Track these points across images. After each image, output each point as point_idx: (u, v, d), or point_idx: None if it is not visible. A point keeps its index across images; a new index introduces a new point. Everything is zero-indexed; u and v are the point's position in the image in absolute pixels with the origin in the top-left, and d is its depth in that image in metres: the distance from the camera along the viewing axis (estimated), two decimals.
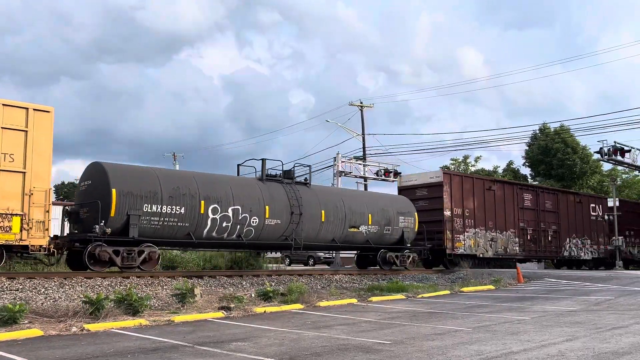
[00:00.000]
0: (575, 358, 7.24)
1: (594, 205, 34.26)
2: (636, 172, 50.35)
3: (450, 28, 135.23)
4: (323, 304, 14.02)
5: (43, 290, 13.41)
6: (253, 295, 14.54)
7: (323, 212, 20.80)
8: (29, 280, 14.05)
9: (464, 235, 25.52)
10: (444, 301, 15.32)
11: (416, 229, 23.93)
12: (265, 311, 12.59)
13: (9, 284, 13.50)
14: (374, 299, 15.46)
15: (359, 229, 21.88)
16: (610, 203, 36.12)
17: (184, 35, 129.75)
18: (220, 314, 11.91)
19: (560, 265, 34.50)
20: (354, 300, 15.06)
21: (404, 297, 16.22)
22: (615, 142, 30.80)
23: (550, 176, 49.86)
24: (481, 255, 26.14)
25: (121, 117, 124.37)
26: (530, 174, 54.04)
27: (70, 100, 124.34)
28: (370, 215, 22.34)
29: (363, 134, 40.16)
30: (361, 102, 40.88)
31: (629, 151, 31.37)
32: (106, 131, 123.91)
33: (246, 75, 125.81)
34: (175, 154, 57.02)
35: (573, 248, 31.95)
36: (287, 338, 9.03)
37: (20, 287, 13.42)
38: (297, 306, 13.41)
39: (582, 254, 32.50)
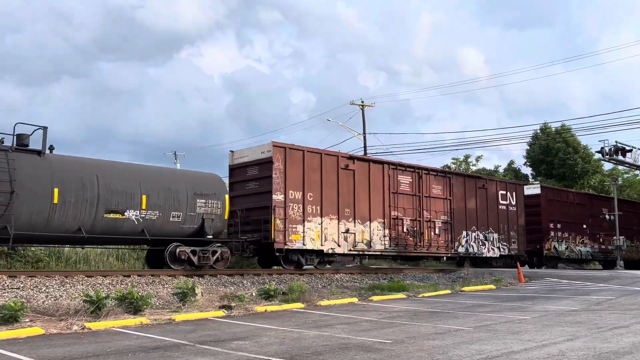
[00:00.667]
0: (576, 358, 7.23)
1: (504, 192, 27.96)
2: (637, 172, 50.38)
3: (451, 28, 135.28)
4: (324, 303, 14.02)
5: (44, 288, 13.44)
6: (254, 294, 14.55)
7: (57, 190, 15.30)
8: (29, 278, 14.08)
9: (304, 226, 20.00)
10: (444, 300, 15.31)
11: (226, 217, 18.81)
12: (266, 310, 12.59)
13: (10, 283, 13.53)
14: (375, 298, 15.46)
15: (124, 214, 16.45)
16: (528, 191, 30.93)
17: (184, 34, 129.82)
18: (221, 312, 11.92)
19: (461, 264, 27.22)
20: (355, 300, 15.06)
21: (404, 296, 16.23)
22: (616, 141, 30.88)
23: (552, 176, 49.87)
24: (330, 251, 20.93)
25: (122, 116, 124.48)
26: (532, 174, 54.07)
27: (70, 98, 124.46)
28: (145, 196, 16.88)
29: (364, 133, 40.19)
30: (362, 102, 40.89)
31: (630, 151, 31.42)
32: (107, 130, 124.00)
33: (247, 74, 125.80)
34: (176, 152, 57.06)
35: (472, 244, 26.04)
36: (288, 337, 9.04)
37: (21, 285, 13.45)
38: (298, 305, 13.41)
39: (486, 251, 26.67)
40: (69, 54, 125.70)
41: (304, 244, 20.07)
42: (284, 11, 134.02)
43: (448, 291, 17.92)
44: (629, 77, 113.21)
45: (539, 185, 33.30)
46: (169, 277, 16.24)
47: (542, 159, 51.11)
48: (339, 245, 21.08)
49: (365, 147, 39.82)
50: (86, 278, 14.90)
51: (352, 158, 22.29)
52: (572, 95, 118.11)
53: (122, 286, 14.35)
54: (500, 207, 27.68)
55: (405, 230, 23.46)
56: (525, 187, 31.21)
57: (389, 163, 23.84)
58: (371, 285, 18.16)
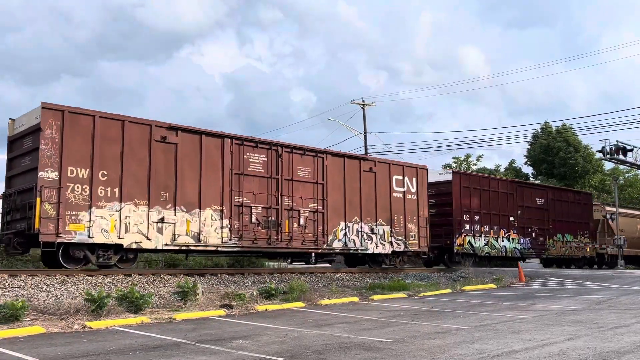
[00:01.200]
0: (576, 357, 7.23)
1: (399, 177, 23.08)
2: (638, 171, 50.40)
3: (452, 27, 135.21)
4: (324, 302, 14.04)
5: (45, 287, 13.45)
6: (255, 293, 14.58)
7: None
8: (31, 277, 14.09)
9: (91, 213, 15.48)
10: (445, 300, 15.33)
11: None
12: (266, 309, 12.62)
13: (11, 281, 13.54)
14: (376, 297, 15.48)
15: None
16: (439, 177, 26.58)
17: (184, 33, 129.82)
18: (222, 311, 11.93)
19: (352, 263, 23.56)
20: (356, 299, 15.08)
21: (405, 295, 16.25)
22: (617, 141, 30.91)
23: (553, 175, 49.91)
24: (134, 246, 16.31)
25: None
26: (532, 173, 54.11)
27: (71, 97, 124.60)
28: None
29: (365, 132, 40.20)
30: (363, 101, 40.90)
31: (631, 150, 31.46)
32: None
33: (247, 73, 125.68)
34: None
35: (353, 237, 21.15)
36: (288, 336, 9.04)
37: (22, 284, 13.46)
38: (298, 304, 13.43)
39: (373, 246, 21.79)
40: (69, 53, 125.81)
41: (89, 236, 15.42)
42: (285, 10, 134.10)
43: (449, 290, 17.93)
44: (630, 76, 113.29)
45: (451, 170, 28.00)
46: (170, 276, 16.27)
47: (543, 159, 51.15)
48: (148, 239, 16.40)
49: (365, 146, 39.85)
50: (87, 277, 14.91)
51: (173, 128, 17.33)
52: (573, 95, 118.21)
53: (123, 285, 14.37)
54: (394, 194, 22.80)
55: (254, 220, 18.70)
56: (437, 172, 27.05)
57: (232, 137, 18.69)
58: (372, 285, 18.18)
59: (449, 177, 26.56)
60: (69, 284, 13.98)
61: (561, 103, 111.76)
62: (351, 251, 21.51)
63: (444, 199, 25.97)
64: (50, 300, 12.45)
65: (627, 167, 44.08)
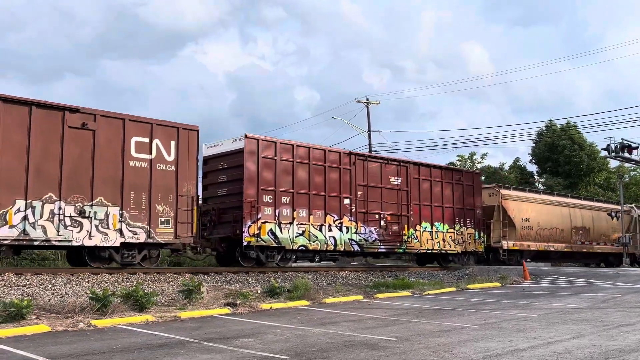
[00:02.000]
0: (582, 355, 7.21)
1: (145, 139, 16.70)
2: None
3: (455, 24, 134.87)
4: (329, 300, 14.05)
5: (50, 286, 13.49)
6: (259, 291, 14.59)
7: None
8: (36, 276, 14.14)
9: None
10: (450, 298, 15.31)
11: None
12: (271, 307, 12.63)
13: (17, 280, 13.59)
14: (380, 295, 15.47)
15: None
16: (227, 147, 20.12)
17: (187, 31, 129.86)
18: (227, 310, 11.95)
19: (77, 261, 16.73)
20: (360, 297, 15.07)
21: (409, 294, 16.24)
22: (622, 139, 30.81)
23: (557, 173, 49.75)
24: None
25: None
26: (537, 171, 53.97)
27: (74, 96, 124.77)
28: None
29: (369, 130, 40.17)
30: (367, 99, 40.86)
31: (636, 148, 31.36)
32: None
33: (250, 72, 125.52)
34: None
35: (42, 222, 14.67)
36: (293, 334, 9.05)
37: (28, 282, 13.51)
38: (303, 303, 13.44)
39: (82, 236, 15.27)
40: (72, 52, 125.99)
41: None
42: (288, 8, 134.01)
43: (453, 289, 17.90)
44: (635, 73, 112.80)
45: (244, 135, 19.60)
46: (175, 275, 16.29)
47: (548, 157, 51.01)
48: None
49: (370, 144, 39.83)
50: (92, 275, 14.95)
51: None
52: (577, 92, 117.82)
53: (128, 284, 14.41)
54: (133, 163, 16.45)
55: None
56: (231, 139, 20.32)
57: None
58: (376, 283, 18.17)
59: (241, 144, 19.58)
60: (74, 283, 14.02)
61: (566, 101, 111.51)
62: (35, 242, 14.80)
63: (238, 174, 19.53)
64: (56, 298, 12.49)
65: (632, 165, 43.93)
